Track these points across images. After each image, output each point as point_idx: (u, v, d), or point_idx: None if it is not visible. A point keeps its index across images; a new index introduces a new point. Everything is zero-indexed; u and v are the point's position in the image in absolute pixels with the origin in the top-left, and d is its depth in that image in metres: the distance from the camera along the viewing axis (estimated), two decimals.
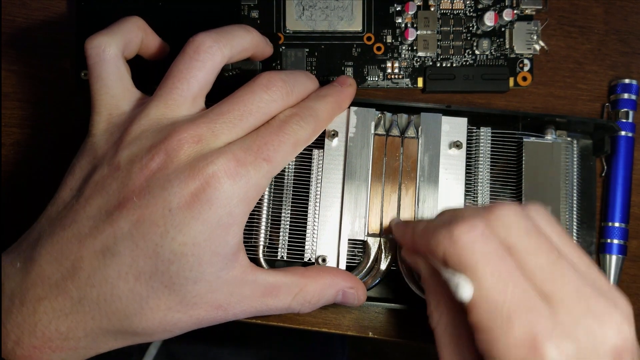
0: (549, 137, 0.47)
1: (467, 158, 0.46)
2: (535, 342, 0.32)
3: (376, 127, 0.46)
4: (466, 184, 0.46)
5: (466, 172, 0.46)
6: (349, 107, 0.45)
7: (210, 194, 0.36)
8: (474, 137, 0.47)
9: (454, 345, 0.38)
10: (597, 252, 0.49)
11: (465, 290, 0.34)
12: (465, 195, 0.46)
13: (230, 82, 0.49)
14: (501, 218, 0.35)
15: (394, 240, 0.44)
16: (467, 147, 0.46)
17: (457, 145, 0.45)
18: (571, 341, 0.32)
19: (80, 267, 0.37)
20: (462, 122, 0.46)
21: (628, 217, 0.49)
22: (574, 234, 0.46)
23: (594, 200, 0.49)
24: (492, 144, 0.47)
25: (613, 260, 0.49)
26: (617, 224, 0.49)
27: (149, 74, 0.43)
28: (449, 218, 0.37)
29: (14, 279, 0.38)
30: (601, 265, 0.49)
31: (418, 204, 0.45)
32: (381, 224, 0.45)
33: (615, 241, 0.49)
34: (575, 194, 0.47)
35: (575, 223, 0.46)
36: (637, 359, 0.34)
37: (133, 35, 0.43)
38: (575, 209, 0.47)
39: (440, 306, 0.39)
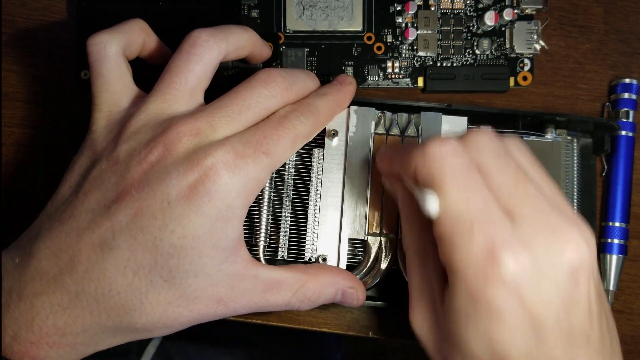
0: (549, 136, 0.47)
1: None
2: (493, 251, 0.33)
3: (376, 126, 0.46)
4: None
5: None
6: (349, 107, 0.45)
7: (209, 186, 0.36)
8: None
9: (421, 265, 0.40)
10: (598, 252, 0.49)
11: (431, 205, 0.35)
12: None
13: (229, 81, 0.49)
14: (475, 140, 0.37)
15: (378, 168, 0.44)
16: None
17: None
18: (528, 253, 0.34)
19: (78, 261, 0.37)
20: (462, 121, 0.46)
21: (628, 216, 0.49)
22: None
23: (594, 199, 0.48)
24: None
25: (613, 260, 0.49)
26: (617, 224, 0.49)
27: (151, 76, 0.43)
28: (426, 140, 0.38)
29: (13, 274, 0.38)
30: (601, 265, 0.49)
31: None
32: (381, 223, 0.45)
33: (616, 241, 0.49)
34: (575, 193, 0.47)
35: None
36: (595, 280, 0.35)
37: (135, 36, 0.43)
38: (575, 207, 0.47)
39: (412, 228, 0.41)
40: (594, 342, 0.35)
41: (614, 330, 0.38)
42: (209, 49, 0.40)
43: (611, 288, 0.49)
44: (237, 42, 0.43)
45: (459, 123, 0.46)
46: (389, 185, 0.43)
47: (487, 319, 0.34)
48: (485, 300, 0.34)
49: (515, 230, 0.34)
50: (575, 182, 0.47)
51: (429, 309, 0.39)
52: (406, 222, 0.41)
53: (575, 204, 0.47)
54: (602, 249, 0.49)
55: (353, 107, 0.45)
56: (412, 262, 0.41)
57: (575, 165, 0.47)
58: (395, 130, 0.46)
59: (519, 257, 0.33)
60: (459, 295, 0.35)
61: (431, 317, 0.39)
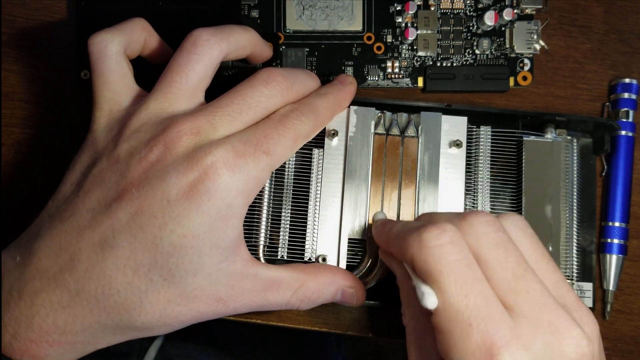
0: (549, 135, 0.47)
1: (467, 157, 0.46)
2: (491, 350, 0.32)
3: (376, 126, 0.46)
4: (466, 182, 0.46)
5: (466, 171, 0.46)
6: (348, 106, 0.45)
7: (209, 185, 0.36)
8: (474, 136, 0.47)
9: (419, 345, 0.38)
10: (597, 252, 0.49)
11: (429, 300, 0.33)
12: (466, 194, 0.46)
13: (230, 80, 0.49)
14: (473, 226, 0.35)
15: (372, 239, 0.43)
16: (467, 146, 0.46)
17: (457, 144, 0.45)
18: (527, 352, 0.32)
19: (78, 260, 0.37)
20: (462, 121, 0.46)
21: (628, 216, 0.49)
22: (574, 233, 0.46)
23: (594, 199, 0.48)
24: (492, 142, 0.47)
25: (613, 259, 0.49)
26: (617, 224, 0.49)
27: (153, 75, 0.43)
28: (422, 222, 0.37)
29: (13, 273, 0.38)
30: (601, 265, 0.49)
31: (418, 203, 0.45)
32: None
33: (616, 241, 0.49)
34: (575, 193, 0.47)
35: (575, 222, 0.46)
36: None
37: (136, 35, 0.43)
38: (575, 207, 0.47)
39: (410, 307, 0.39)
40: None
41: None
42: (209, 49, 0.41)
43: (611, 288, 0.49)
44: (238, 42, 0.43)
45: (458, 123, 0.46)
46: (386, 261, 0.42)
47: None
48: None
49: (514, 329, 0.33)
50: (575, 182, 0.47)
51: None
52: (405, 299, 0.40)
53: (575, 204, 0.47)
54: (602, 249, 0.49)
55: (353, 107, 0.45)
56: (411, 340, 0.39)
57: (575, 165, 0.47)
58: (395, 130, 0.46)
59: (518, 357, 0.32)
60: None
61: None
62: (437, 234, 0.34)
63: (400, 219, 0.45)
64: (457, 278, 0.33)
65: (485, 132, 0.47)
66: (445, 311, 0.33)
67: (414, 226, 0.36)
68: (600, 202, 0.50)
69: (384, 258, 0.42)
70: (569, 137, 0.47)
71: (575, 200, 0.47)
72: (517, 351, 0.32)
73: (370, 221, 0.45)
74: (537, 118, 0.47)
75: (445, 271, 0.33)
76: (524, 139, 0.46)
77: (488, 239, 0.35)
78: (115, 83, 0.41)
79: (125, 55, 0.43)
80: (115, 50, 0.42)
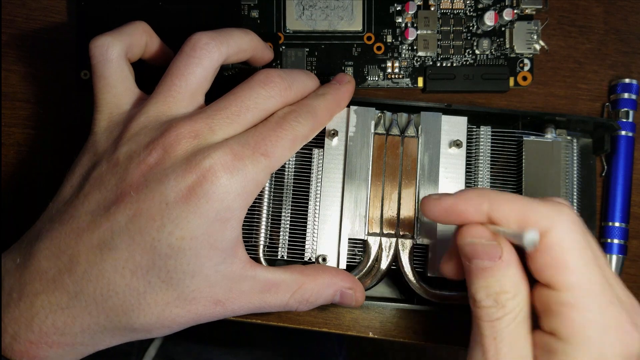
0: (549, 135, 0.47)
1: (467, 157, 0.46)
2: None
3: (376, 126, 0.46)
4: (466, 182, 0.46)
5: (466, 171, 0.46)
6: (348, 107, 0.45)
7: (207, 188, 0.36)
8: (474, 136, 0.47)
9: (517, 338, 0.36)
10: None
11: (533, 234, 0.33)
12: None
13: (229, 81, 0.49)
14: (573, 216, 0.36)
15: (433, 215, 0.38)
16: (467, 146, 0.46)
17: (457, 144, 0.45)
18: None
19: (77, 262, 0.37)
20: (462, 121, 0.46)
21: (628, 216, 0.49)
22: None
23: (594, 199, 0.48)
24: (492, 142, 0.47)
25: (613, 260, 0.49)
26: (617, 224, 0.49)
27: (155, 78, 0.43)
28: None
29: (14, 275, 0.38)
30: None
31: (418, 203, 0.45)
32: (381, 223, 0.45)
33: (616, 241, 0.49)
34: (575, 193, 0.47)
35: None
36: None
37: (137, 38, 0.43)
38: (575, 207, 0.47)
39: (520, 293, 0.36)
40: None
41: None
42: (209, 52, 0.41)
43: None
44: (238, 45, 0.43)
45: (458, 123, 0.46)
46: (484, 235, 0.37)
47: None
48: None
49: None
50: (575, 182, 0.47)
51: None
52: (513, 286, 0.36)
53: (575, 204, 0.47)
54: (602, 249, 0.49)
55: (353, 107, 0.45)
56: (504, 334, 0.35)
57: (575, 165, 0.47)
58: (395, 130, 0.46)
59: None
60: None
61: None
62: (574, 212, 0.36)
63: (401, 219, 0.45)
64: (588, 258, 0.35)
65: (485, 132, 0.47)
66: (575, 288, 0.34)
67: (537, 198, 0.36)
68: (600, 202, 0.50)
69: (481, 234, 0.36)
70: (569, 137, 0.47)
71: (575, 200, 0.46)
72: None
73: (370, 222, 0.45)
74: (537, 118, 0.47)
75: (584, 248, 0.35)
76: (524, 139, 0.46)
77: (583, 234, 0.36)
78: (116, 86, 0.42)
79: (127, 59, 0.43)
80: (116, 53, 0.42)
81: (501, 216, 0.36)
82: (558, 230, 0.34)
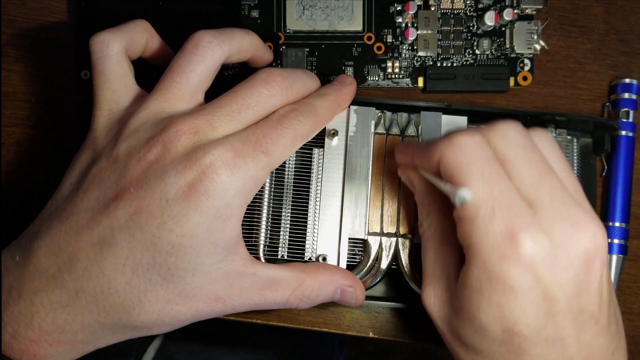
0: None
1: None
2: (512, 233, 0.34)
3: (376, 126, 0.46)
4: None
5: None
6: (349, 106, 0.45)
7: (208, 185, 0.36)
8: None
9: (437, 246, 0.41)
10: None
11: (465, 194, 0.35)
12: None
13: (230, 80, 0.49)
14: (501, 132, 0.37)
15: (396, 160, 0.45)
16: None
17: None
18: (547, 237, 0.35)
19: (77, 259, 0.37)
20: (462, 121, 0.46)
21: (628, 216, 0.49)
22: None
23: (594, 199, 0.48)
24: None
25: (613, 260, 0.49)
26: (617, 224, 0.49)
27: (155, 76, 0.43)
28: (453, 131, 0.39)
29: (13, 272, 0.38)
30: None
31: None
32: (381, 222, 0.45)
33: (616, 241, 0.49)
34: None
35: None
36: (607, 270, 0.37)
37: (138, 36, 0.43)
38: None
39: (430, 214, 0.41)
40: (602, 324, 0.37)
41: (620, 320, 0.40)
42: (211, 50, 0.41)
43: None
44: (240, 45, 0.43)
45: (458, 123, 0.46)
46: (405, 176, 0.44)
47: (502, 294, 0.35)
48: (501, 277, 0.35)
49: (535, 217, 0.35)
50: None
51: (442, 286, 0.40)
52: (424, 208, 0.42)
53: None
54: None
55: (353, 107, 0.45)
56: (428, 245, 0.41)
57: (575, 164, 0.47)
58: (395, 130, 0.46)
59: (538, 240, 0.35)
60: (475, 272, 0.36)
61: (443, 294, 0.40)
62: (467, 135, 0.37)
63: (401, 219, 0.45)
64: (483, 171, 0.36)
65: None
66: (470, 202, 0.36)
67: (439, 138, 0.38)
68: (600, 202, 0.50)
69: (403, 173, 0.44)
70: (569, 137, 0.47)
71: None
72: (536, 234, 0.35)
73: (370, 221, 0.45)
74: (537, 118, 0.47)
75: (472, 165, 0.36)
76: None
77: (515, 141, 0.37)
78: (115, 82, 0.42)
79: (127, 56, 0.43)
80: (116, 50, 0.42)
81: (419, 163, 0.41)
82: (444, 158, 0.37)
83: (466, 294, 0.37)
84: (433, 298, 0.41)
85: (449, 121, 0.46)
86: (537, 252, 0.34)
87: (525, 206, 0.35)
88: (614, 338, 0.38)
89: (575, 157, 0.47)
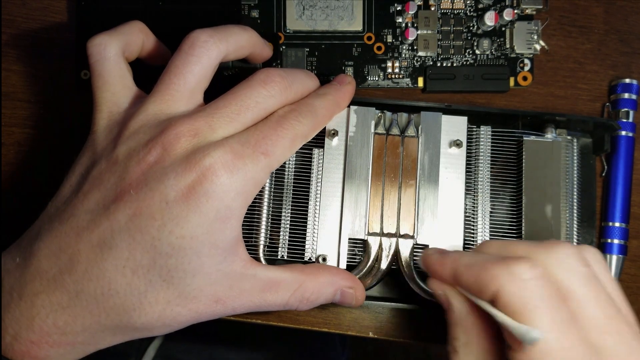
0: (549, 135, 0.47)
1: (467, 157, 0.46)
2: None
3: (376, 126, 0.46)
4: (466, 182, 0.46)
5: (466, 171, 0.46)
6: (348, 106, 0.45)
7: (207, 187, 0.36)
8: (474, 136, 0.47)
9: None
10: None
11: (534, 334, 0.32)
12: (466, 193, 0.45)
13: (229, 80, 0.49)
14: (561, 260, 0.35)
15: (423, 268, 0.41)
16: (467, 146, 0.46)
17: (457, 144, 0.45)
18: None
19: (78, 261, 0.37)
20: (462, 120, 0.46)
21: (628, 217, 0.49)
22: (574, 233, 0.46)
23: (594, 199, 0.48)
24: (492, 142, 0.47)
25: (613, 260, 0.49)
26: (617, 224, 0.49)
27: (153, 77, 0.43)
28: (500, 252, 0.37)
29: (14, 274, 0.38)
30: None
31: (418, 203, 0.45)
32: (381, 223, 0.45)
33: (616, 241, 0.49)
34: (575, 193, 0.47)
35: (575, 221, 0.46)
36: None
37: (134, 37, 0.43)
38: (575, 207, 0.46)
39: (471, 340, 0.38)
40: None
41: None
42: (208, 50, 0.41)
43: None
44: (237, 42, 0.43)
45: (459, 123, 0.46)
46: (442, 292, 0.39)
47: None
48: None
49: None
50: (575, 182, 0.47)
51: None
52: (464, 334, 0.38)
53: (575, 204, 0.47)
54: (602, 249, 0.49)
55: (353, 107, 0.45)
56: None
57: (575, 164, 0.47)
58: (395, 130, 0.46)
59: None
60: None
61: None
62: (529, 267, 0.34)
63: (401, 218, 0.45)
64: (553, 316, 0.33)
65: (485, 132, 0.47)
66: (537, 350, 0.33)
67: (494, 258, 0.35)
68: (600, 203, 0.50)
69: (438, 288, 0.39)
70: (569, 137, 0.47)
71: (575, 200, 0.46)
72: None
73: (370, 221, 0.45)
74: (537, 118, 0.47)
75: (541, 307, 0.33)
76: (524, 138, 0.46)
77: (578, 274, 0.35)
78: (114, 84, 0.42)
79: (124, 57, 0.43)
80: (113, 51, 0.42)
81: (464, 284, 0.37)
82: (505, 291, 0.34)
83: None
84: None
85: (449, 121, 0.46)
86: None
87: (594, 356, 0.33)
88: None
89: (575, 157, 0.47)
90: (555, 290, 0.34)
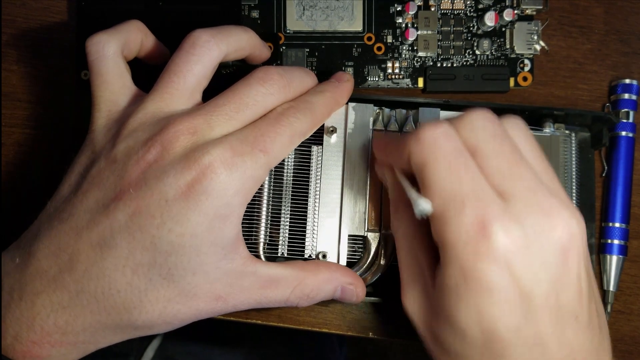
0: (547, 130, 0.47)
1: None
2: (484, 225, 0.33)
3: (375, 122, 0.46)
4: None
5: None
6: (347, 103, 0.45)
7: (207, 185, 0.36)
8: None
9: (410, 246, 0.40)
10: (598, 253, 0.49)
11: (424, 206, 0.35)
12: None
13: (228, 79, 0.49)
14: (470, 121, 0.37)
15: (373, 152, 0.45)
16: None
17: None
18: (519, 228, 0.34)
19: (78, 260, 0.37)
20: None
21: (628, 217, 0.49)
22: None
23: (592, 193, 0.48)
24: None
25: (613, 260, 0.48)
26: (617, 224, 0.49)
27: (152, 77, 0.43)
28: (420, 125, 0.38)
29: (14, 275, 0.38)
30: (602, 265, 0.49)
31: None
32: (381, 219, 0.45)
33: (616, 241, 0.49)
34: (574, 187, 0.46)
35: None
36: (585, 262, 0.36)
37: (133, 36, 0.43)
38: (574, 201, 0.46)
39: (399, 213, 0.41)
40: (582, 321, 0.36)
41: (603, 314, 0.39)
42: (208, 50, 0.41)
43: (611, 289, 0.49)
44: (237, 43, 0.43)
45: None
46: (380, 173, 0.43)
47: (478, 293, 0.34)
48: (476, 275, 0.34)
49: (506, 208, 0.34)
50: (573, 176, 0.46)
51: (420, 288, 0.40)
52: (395, 207, 0.42)
53: (574, 197, 0.46)
54: (602, 250, 0.49)
55: (351, 104, 0.45)
56: (401, 245, 0.41)
57: (574, 159, 0.47)
58: (394, 127, 0.46)
59: (510, 231, 0.34)
60: (450, 272, 0.35)
61: (422, 297, 0.39)
62: (432, 127, 0.36)
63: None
64: (450, 163, 0.35)
65: None
66: (439, 196, 0.35)
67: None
68: (601, 203, 0.50)
69: (379, 170, 0.43)
70: (567, 132, 0.47)
71: (574, 195, 0.46)
72: (508, 225, 0.34)
73: (370, 218, 0.45)
74: (536, 113, 0.47)
75: (440, 158, 0.35)
76: None
77: (484, 131, 0.36)
78: (113, 83, 0.42)
79: (123, 56, 0.43)
80: (112, 50, 0.42)
81: (392, 160, 0.41)
82: (411, 153, 0.36)
83: (443, 295, 0.36)
84: (412, 301, 0.40)
85: (447, 117, 0.46)
86: (510, 243, 0.33)
87: (496, 197, 0.34)
88: (595, 335, 0.37)
89: (573, 152, 0.47)
90: (457, 144, 0.36)
